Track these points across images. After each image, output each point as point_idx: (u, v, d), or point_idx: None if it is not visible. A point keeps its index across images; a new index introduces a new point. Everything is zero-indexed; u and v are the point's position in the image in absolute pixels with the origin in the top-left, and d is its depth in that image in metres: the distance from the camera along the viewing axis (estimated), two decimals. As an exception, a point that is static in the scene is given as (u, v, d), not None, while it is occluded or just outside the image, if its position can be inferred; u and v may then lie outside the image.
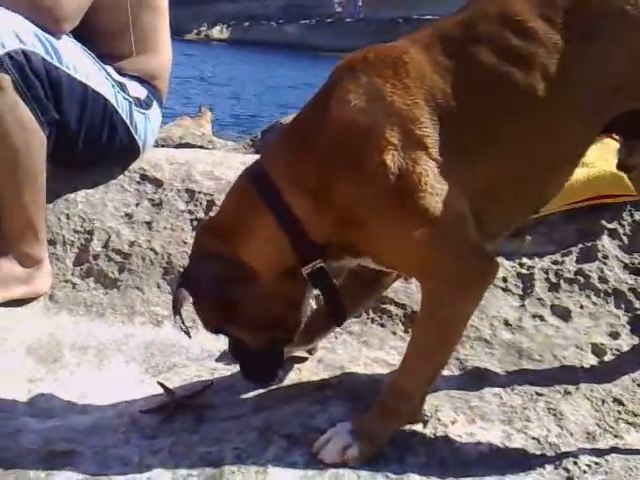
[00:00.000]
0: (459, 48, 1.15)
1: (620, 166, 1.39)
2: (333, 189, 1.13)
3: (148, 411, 1.37)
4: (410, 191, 1.10)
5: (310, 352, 1.51)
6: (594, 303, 1.57)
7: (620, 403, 1.29)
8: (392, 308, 1.67)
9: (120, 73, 2.04)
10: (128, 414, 1.37)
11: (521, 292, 1.65)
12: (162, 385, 1.42)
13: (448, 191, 1.11)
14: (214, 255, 1.22)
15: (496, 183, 1.16)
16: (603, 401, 1.30)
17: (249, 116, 13.62)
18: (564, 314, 1.56)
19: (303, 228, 1.17)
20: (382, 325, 1.66)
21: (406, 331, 1.63)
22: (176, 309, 1.21)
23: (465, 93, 1.13)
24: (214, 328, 1.31)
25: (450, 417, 1.25)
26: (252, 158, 2.66)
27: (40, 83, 1.74)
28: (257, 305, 1.23)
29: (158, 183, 2.05)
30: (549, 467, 1.12)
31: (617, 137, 1.50)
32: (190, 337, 1.29)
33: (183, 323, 1.23)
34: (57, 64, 1.79)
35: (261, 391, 1.42)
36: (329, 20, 35.07)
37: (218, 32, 42.69)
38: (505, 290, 1.66)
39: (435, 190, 1.10)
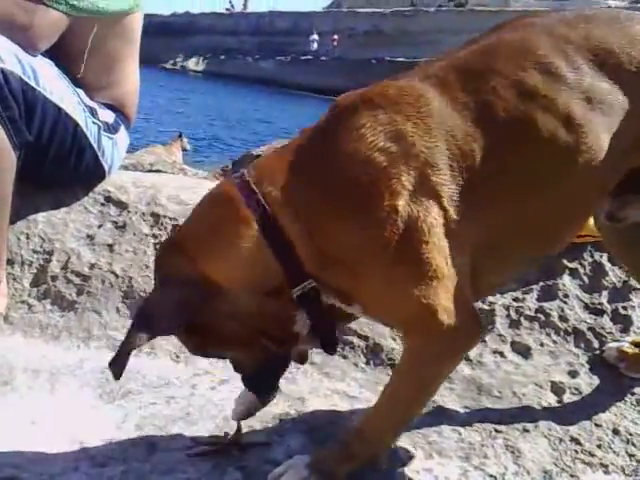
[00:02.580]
0: (478, 84, 1.09)
1: (610, 218, 1.32)
2: (334, 224, 1.06)
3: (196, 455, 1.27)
4: (416, 242, 1.03)
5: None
6: (554, 341, 1.58)
7: (577, 443, 1.30)
8: (355, 340, 1.66)
9: (90, 98, 2.03)
10: (79, 441, 1.33)
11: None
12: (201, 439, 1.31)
13: (453, 246, 1.05)
14: (177, 277, 1.09)
15: (504, 236, 1.11)
16: (561, 440, 1.30)
17: (221, 146, 13.67)
18: (524, 351, 1.56)
19: (294, 251, 1.07)
20: (344, 357, 1.65)
21: (367, 363, 1.61)
22: (124, 351, 1.07)
23: (483, 137, 1.07)
24: (201, 353, 1.22)
25: (408, 452, 1.23)
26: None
27: (16, 104, 1.72)
28: (234, 324, 1.11)
29: (122, 205, 2.03)
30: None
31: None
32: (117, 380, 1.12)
33: (122, 366, 1.09)
34: (34, 85, 1.77)
35: (217, 420, 1.39)
36: (304, 57, 35.58)
37: (194, 64, 42.97)
38: (467, 326, 1.67)
39: (441, 244, 1.04)
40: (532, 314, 1.64)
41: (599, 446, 1.29)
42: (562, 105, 1.08)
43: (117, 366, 1.08)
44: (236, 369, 1.23)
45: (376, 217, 1.04)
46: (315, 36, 37.32)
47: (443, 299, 1.05)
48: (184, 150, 9.80)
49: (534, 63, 1.09)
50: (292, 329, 1.14)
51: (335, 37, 35.86)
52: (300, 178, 1.09)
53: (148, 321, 1.08)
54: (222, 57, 41.36)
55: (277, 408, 1.43)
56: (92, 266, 1.88)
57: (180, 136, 9.91)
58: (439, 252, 1.04)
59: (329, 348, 1.20)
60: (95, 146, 2.00)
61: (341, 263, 1.07)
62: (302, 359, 1.30)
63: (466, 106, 1.08)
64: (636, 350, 1.49)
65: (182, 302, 1.08)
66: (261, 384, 1.23)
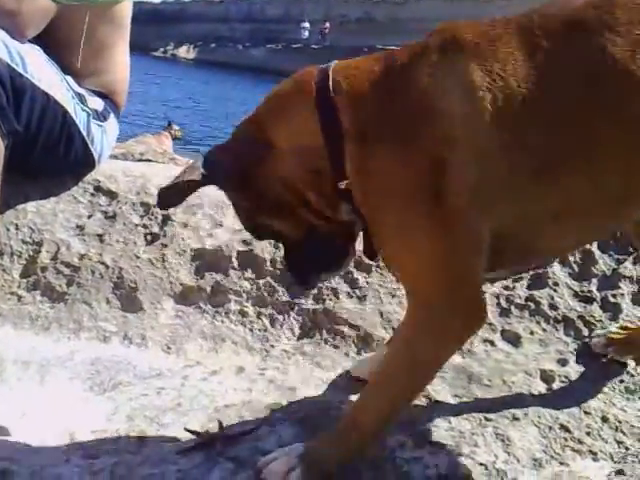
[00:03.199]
0: (564, 37, 1.03)
1: None
2: (379, 151, 1.06)
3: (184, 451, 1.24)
4: (447, 194, 1.01)
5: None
6: (544, 329, 1.58)
7: (567, 430, 1.30)
8: (346, 329, 1.67)
9: (79, 85, 2.01)
10: (69, 433, 1.33)
11: (473, 317, 1.66)
12: (190, 431, 1.30)
13: (480, 212, 1.03)
14: (241, 136, 1.18)
15: (545, 211, 1.07)
16: (550, 428, 1.30)
17: (212, 134, 13.59)
18: (514, 340, 1.57)
19: (342, 148, 1.09)
20: (335, 346, 1.65)
21: (359, 353, 1.62)
22: (179, 181, 1.12)
23: (558, 93, 1.02)
24: (250, 224, 1.25)
25: (399, 440, 1.24)
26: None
27: (4, 91, 1.70)
28: (282, 188, 1.14)
29: (112, 195, 2.01)
30: (495, 493, 1.12)
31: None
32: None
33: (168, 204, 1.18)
34: (22, 72, 1.75)
35: (209, 411, 1.39)
36: (295, 45, 35.37)
37: (185, 51, 42.67)
38: (458, 315, 1.67)
39: (470, 209, 1.02)
40: (522, 302, 1.64)
41: (588, 433, 1.30)
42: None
43: (167, 195, 1.15)
44: (285, 254, 1.27)
45: (421, 157, 1.03)
46: (306, 24, 37.13)
47: (458, 268, 1.05)
48: (175, 138, 9.73)
49: (619, 33, 1.01)
50: (336, 213, 1.16)
51: (327, 25, 35.67)
52: (368, 90, 1.09)
53: (207, 162, 1.14)
54: (213, 45, 41.11)
55: (268, 398, 1.43)
56: (82, 257, 1.87)
57: (170, 124, 9.84)
58: (466, 216, 1.02)
59: (371, 253, 1.22)
60: (84, 134, 1.99)
61: (373, 190, 1.08)
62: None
63: (537, 62, 1.02)
64: (622, 334, 1.50)
65: (242, 153, 1.15)
66: (304, 268, 1.25)
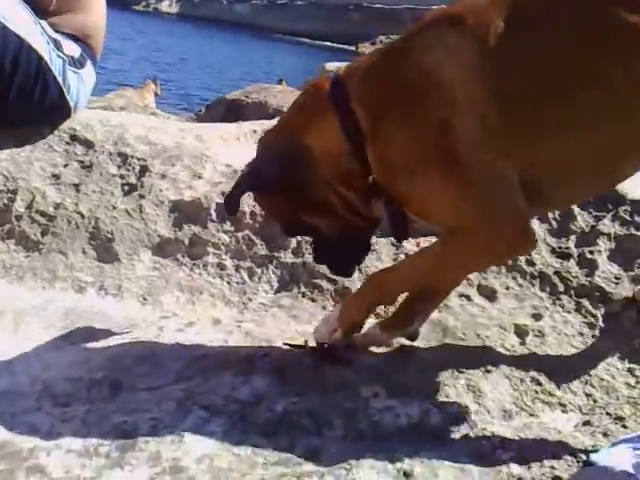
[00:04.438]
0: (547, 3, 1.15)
1: None
2: (395, 128, 1.17)
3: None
4: (466, 148, 1.12)
5: (412, 337, 1.43)
6: (520, 285, 1.59)
7: (538, 383, 1.32)
8: (324, 283, 1.66)
9: (54, 30, 1.95)
10: (42, 381, 1.32)
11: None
12: (291, 345, 1.43)
13: (496, 156, 1.12)
14: (278, 143, 1.29)
15: (567, 156, 1.16)
16: (522, 380, 1.32)
17: (194, 90, 13.37)
18: (490, 294, 1.58)
19: (364, 146, 1.22)
20: (313, 300, 1.65)
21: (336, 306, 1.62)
22: (235, 192, 1.29)
23: (550, 50, 1.13)
24: (287, 222, 1.35)
25: (371, 390, 1.25)
26: (191, 125, 2.61)
27: None
28: (319, 188, 1.27)
29: (89, 144, 1.98)
30: (463, 443, 1.13)
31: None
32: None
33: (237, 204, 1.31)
34: None
35: (184, 361, 1.39)
36: (281, 2, 34.66)
37: (167, 6, 41.70)
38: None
39: (487, 155, 1.12)
40: (500, 258, 1.64)
41: (558, 386, 1.32)
42: None
43: (231, 203, 1.32)
44: (317, 247, 1.39)
45: (430, 123, 1.14)
46: (293, -21, 36.30)
47: (488, 204, 1.14)
48: (157, 95, 9.59)
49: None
50: (369, 209, 1.30)
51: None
52: (376, 79, 1.22)
53: (252, 174, 1.29)
54: (196, 0, 40.14)
55: (244, 349, 1.43)
56: (57, 206, 1.84)
57: (154, 80, 9.68)
58: (486, 163, 1.12)
59: (400, 236, 1.34)
60: (60, 80, 1.94)
61: (397, 166, 1.19)
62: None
63: (532, 22, 1.14)
64: None
65: (282, 160, 1.26)
66: (339, 260, 1.38)
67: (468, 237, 1.18)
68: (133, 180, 1.90)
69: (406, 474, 1.03)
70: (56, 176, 1.90)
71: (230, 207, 1.33)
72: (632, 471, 1.02)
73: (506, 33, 1.12)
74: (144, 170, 1.91)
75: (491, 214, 1.15)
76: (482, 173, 1.13)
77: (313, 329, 1.39)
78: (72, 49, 2.00)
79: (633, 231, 1.62)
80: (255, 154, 1.35)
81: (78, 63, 2.02)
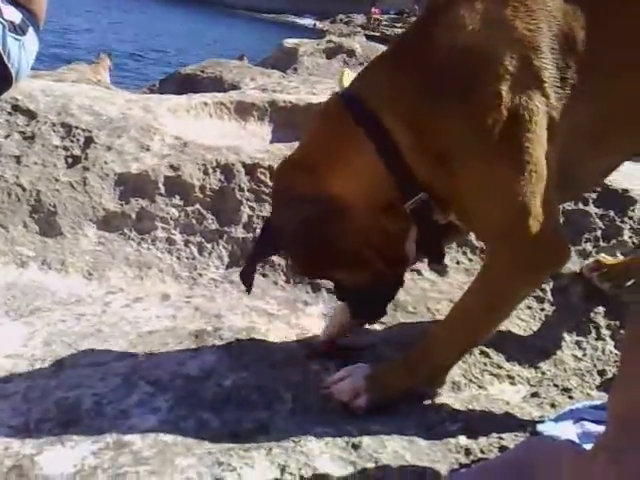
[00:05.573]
0: None
1: None
2: (437, 120, 1.03)
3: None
4: (519, 130, 1.00)
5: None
6: (470, 259, 1.60)
7: (486, 356, 1.33)
8: (275, 258, 1.64)
9: (-9, -7, 1.86)
10: (-20, 357, 1.27)
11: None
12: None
13: (551, 138, 1.03)
14: (301, 195, 1.10)
15: (608, 125, 1.09)
16: (470, 353, 1.32)
17: (149, 65, 13.10)
18: (440, 269, 1.58)
19: (404, 160, 1.06)
20: (264, 275, 1.63)
21: (287, 281, 1.60)
22: (251, 263, 1.19)
23: (589, 18, 1.03)
24: (315, 277, 1.26)
25: (323, 365, 1.24)
26: (138, 96, 2.53)
27: None
28: (353, 242, 1.12)
29: (31, 115, 1.90)
30: (412, 415, 1.13)
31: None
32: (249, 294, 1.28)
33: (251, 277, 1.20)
34: None
35: (131, 337, 1.35)
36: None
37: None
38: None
39: (541, 135, 1.01)
40: (450, 233, 1.65)
41: (507, 359, 1.33)
42: None
43: (247, 278, 1.20)
44: (341, 294, 1.26)
45: (480, 104, 1.01)
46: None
47: (538, 201, 1.03)
48: (111, 70, 9.33)
49: None
50: (404, 249, 1.15)
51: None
52: (402, 83, 1.06)
53: (274, 235, 1.15)
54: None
55: (193, 325, 1.41)
56: (-3, 178, 1.76)
57: (109, 55, 9.41)
58: (539, 145, 1.02)
59: (436, 260, 1.26)
60: (0, 47, 1.85)
61: (444, 161, 1.04)
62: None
63: None
64: (610, 261, 1.51)
65: (308, 218, 1.10)
66: (367, 308, 1.25)
67: (513, 246, 1.08)
68: (77, 152, 1.83)
69: (354, 446, 1.02)
70: (-4, 147, 1.82)
71: (247, 281, 1.21)
72: (577, 440, 1.03)
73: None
74: (89, 141, 1.85)
75: (539, 215, 1.04)
76: (540, 158, 1.02)
77: (329, 380, 1.18)
78: (12, 14, 1.90)
79: (580, 206, 1.64)
80: (273, 204, 1.22)
81: (19, 29, 1.92)
